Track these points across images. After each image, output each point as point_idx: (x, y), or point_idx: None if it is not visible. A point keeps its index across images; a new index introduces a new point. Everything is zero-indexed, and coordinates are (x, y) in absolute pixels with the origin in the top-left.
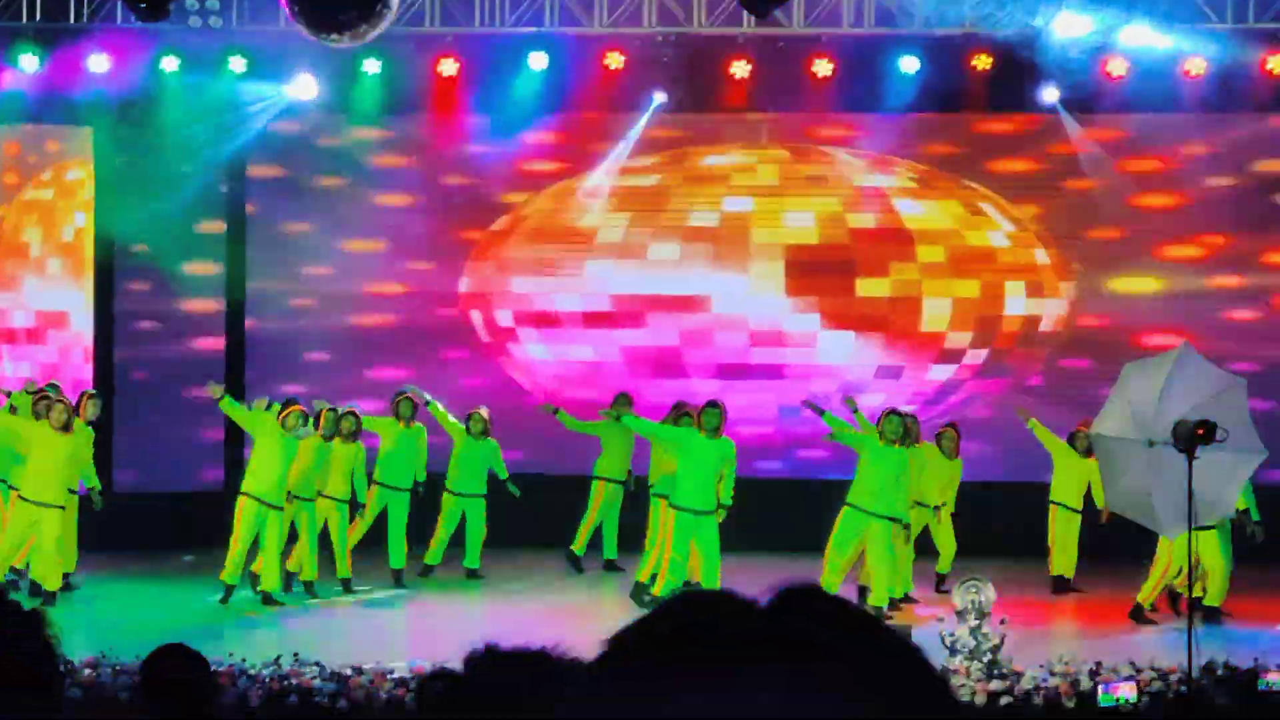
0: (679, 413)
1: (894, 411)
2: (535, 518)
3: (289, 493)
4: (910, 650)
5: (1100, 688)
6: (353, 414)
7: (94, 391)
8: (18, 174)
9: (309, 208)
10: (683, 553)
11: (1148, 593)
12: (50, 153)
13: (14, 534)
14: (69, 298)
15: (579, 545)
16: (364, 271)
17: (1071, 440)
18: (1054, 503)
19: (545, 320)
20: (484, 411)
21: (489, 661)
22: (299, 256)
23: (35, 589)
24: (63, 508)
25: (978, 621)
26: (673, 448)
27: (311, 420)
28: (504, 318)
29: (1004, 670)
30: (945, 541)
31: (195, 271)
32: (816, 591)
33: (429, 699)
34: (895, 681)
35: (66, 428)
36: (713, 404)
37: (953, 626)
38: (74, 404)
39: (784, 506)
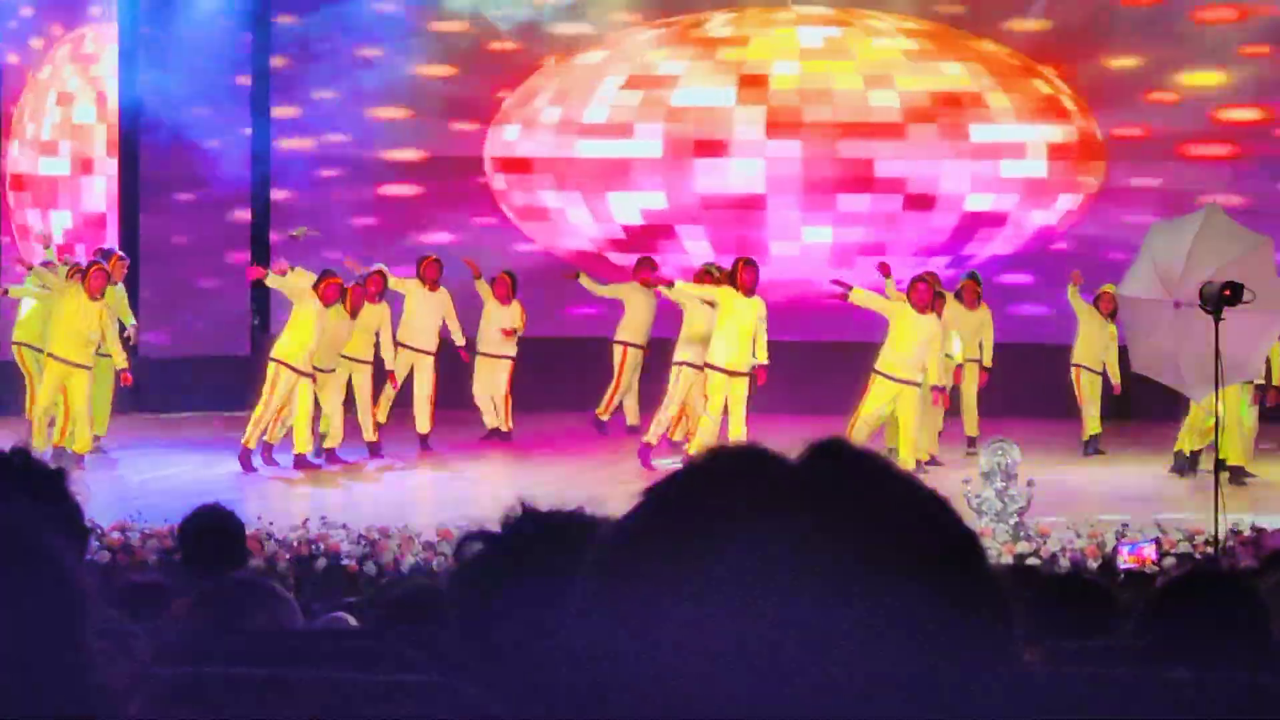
0: (704, 274)
1: (923, 279)
2: (558, 381)
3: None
4: (936, 502)
5: (1124, 549)
6: (380, 273)
7: (122, 253)
8: (41, 36)
9: (333, 70)
10: (717, 413)
11: (1186, 441)
12: (73, 13)
13: (45, 393)
14: (95, 161)
15: (604, 411)
16: (389, 137)
17: (1096, 302)
18: (1076, 365)
19: (569, 178)
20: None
21: (525, 520)
22: (324, 122)
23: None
24: (89, 368)
25: (1004, 483)
26: (712, 307)
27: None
28: (528, 180)
29: (1030, 532)
30: (971, 403)
31: (222, 132)
32: (845, 445)
33: (466, 557)
34: (922, 532)
35: (99, 293)
36: (748, 261)
37: (979, 488)
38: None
39: (808, 368)
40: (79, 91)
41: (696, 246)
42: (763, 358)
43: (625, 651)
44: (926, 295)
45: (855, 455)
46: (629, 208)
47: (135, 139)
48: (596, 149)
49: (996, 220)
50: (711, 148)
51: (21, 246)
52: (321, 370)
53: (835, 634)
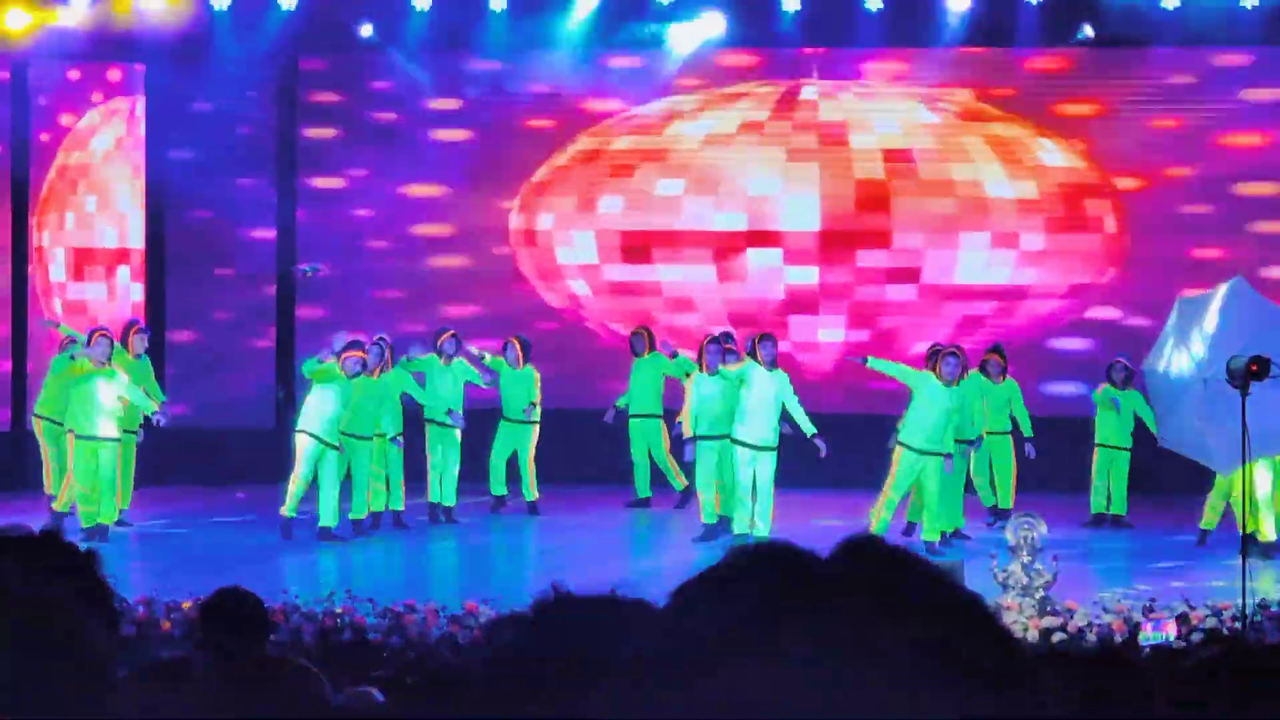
0: (723, 347)
1: (949, 351)
2: (582, 452)
3: (343, 432)
4: (972, 603)
5: (1149, 625)
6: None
7: (141, 325)
8: (72, 110)
9: (359, 148)
10: (747, 489)
11: (1209, 518)
12: (104, 88)
13: (79, 472)
14: (123, 234)
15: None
16: (417, 212)
17: (1108, 373)
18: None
19: (604, 251)
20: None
21: (558, 604)
22: (350, 199)
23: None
24: (117, 441)
25: (1030, 557)
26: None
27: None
28: (561, 253)
29: (1056, 607)
30: (1005, 476)
31: (248, 208)
32: (877, 543)
33: (498, 645)
34: (956, 634)
35: (108, 361)
36: (767, 335)
37: (1005, 562)
38: (121, 338)
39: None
40: (109, 164)
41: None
42: (810, 429)
43: None
44: (957, 369)
45: (888, 553)
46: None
47: (162, 212)
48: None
49: (1017, 294)
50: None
51: (48, 313)
52: (357, 438)
53: None
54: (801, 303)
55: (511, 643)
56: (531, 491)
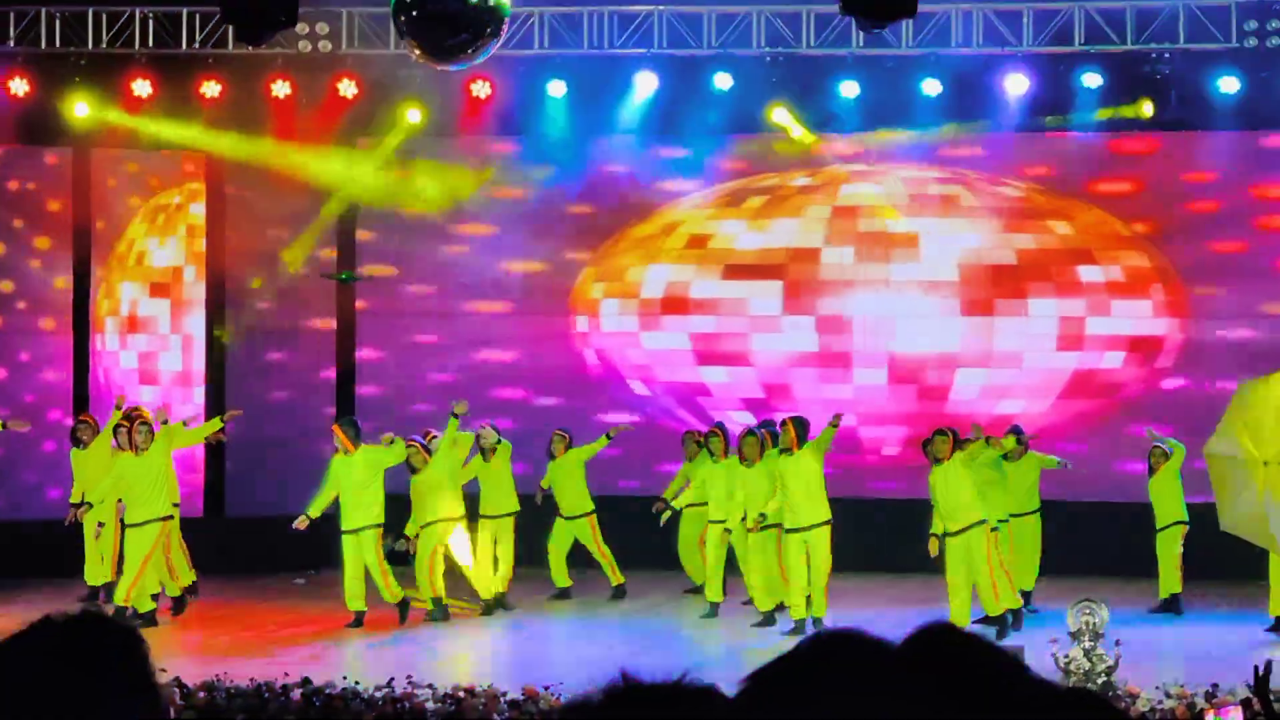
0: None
1: (940, 432)
2: (646, 537)
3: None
4: (1045, 689)
5: (1211, 712)
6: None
7: (143, 422)
8: (135, 197)
9: (414, 243)
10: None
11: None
12: (168, 176)
13: (130, 561)
14: (183, 323)
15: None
16: (474, 292)
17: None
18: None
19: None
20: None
21: (627, 693)
22: (408, 279)
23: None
24: (160, 521)
25: (1092, 643)
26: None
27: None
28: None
29: (1119, 692)
30: (1028, 552)
31: (308, 291)
32: (950, 630)
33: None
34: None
35: (138, 447)
36: (789, 420)
37: (1066, 648)
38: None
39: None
40: (170, 246)
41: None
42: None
43: None
44: (947, 447)
45: (962, 640)
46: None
47: (223, 295)
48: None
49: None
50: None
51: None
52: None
53: None
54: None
55: None
56: (615, 575)
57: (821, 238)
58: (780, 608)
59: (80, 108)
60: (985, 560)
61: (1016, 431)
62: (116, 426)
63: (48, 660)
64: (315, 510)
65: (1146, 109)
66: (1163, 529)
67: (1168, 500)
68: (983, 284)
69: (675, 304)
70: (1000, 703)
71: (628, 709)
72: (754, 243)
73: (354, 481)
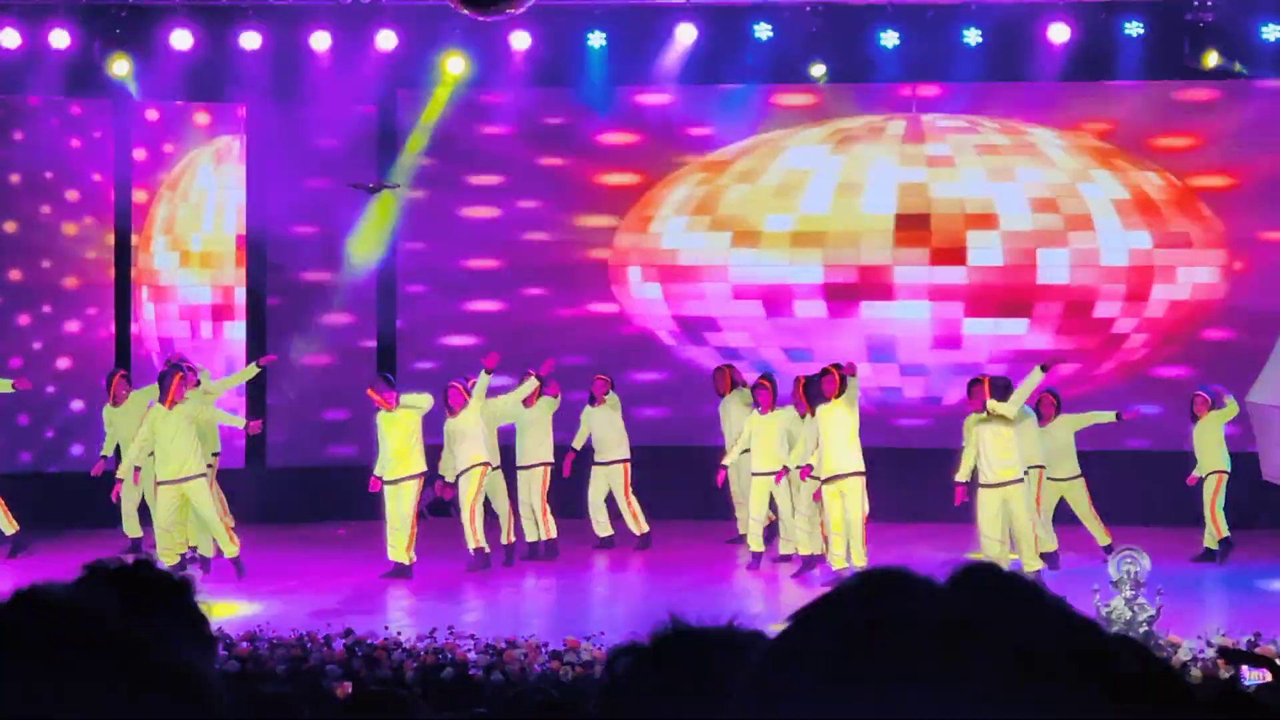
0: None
1: (977, 381)
2: (690, 490)
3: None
4: (1092, 630)
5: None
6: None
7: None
8: (173, 152)
9: (461, 185)
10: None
11: None
12: (202, 130)
13: (163, 519)
14: (221, 275)
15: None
16: (518, 254)
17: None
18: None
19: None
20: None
21: (676, 636)
22: (455, 239)
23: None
24: (199, 477)
25: (1133, 592)
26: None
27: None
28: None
29: (1160, 642)
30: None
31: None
32: (995, 569)
33: (617, 672)
34: (1079, 661)
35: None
36: (825, 369)
37: (1108, 597)
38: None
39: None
40: (210, 205)
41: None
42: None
43: None
44: (980, 398)
45: (1006, 580)
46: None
47: (264, 255)
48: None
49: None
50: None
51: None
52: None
53: None
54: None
55: (628, 671)
56: (639, 525)
57: (867, 188)
58: (819, 558)
59: (120, 62)
60: (1023, 514)
61: (1050, 392)
62: (164, 376)
63: (103, 604)
64: (380, 469)
65: (1211, 59)
66: (1203, 477)
67: (1209, 448)
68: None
69: (713, 255)
70: (1045, 641)
71: (677, 651)
72: (797, 194)
73: (398, 434)
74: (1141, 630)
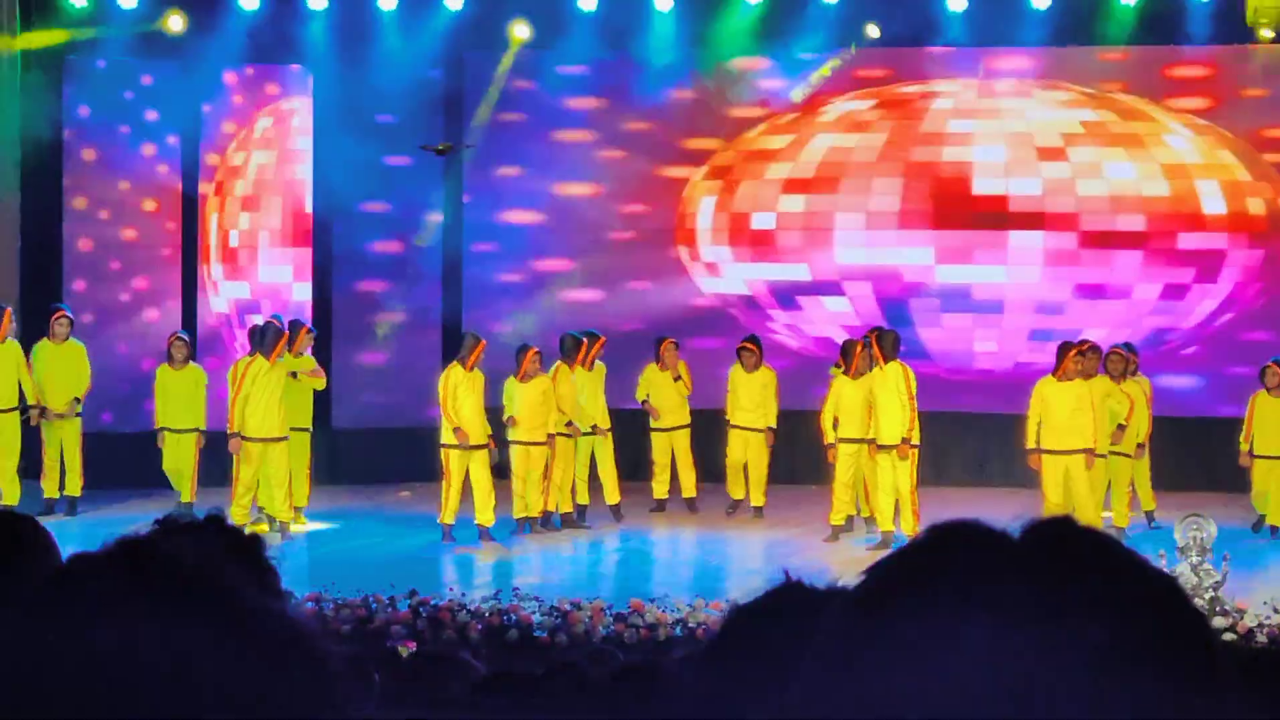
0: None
1: (1077, 349)
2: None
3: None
4: (1165, 581)
5: None
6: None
7: (310, 325)
8: (240, 117)
9: (520, 149)
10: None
11: None
12: (270, 95)
13: (246, 473)
14: (289, 234)
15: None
16: (575, 215)
17: (1261, 377)
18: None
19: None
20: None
21: (791, 590)
22: (510, 200)
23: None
24: (284, 439)
25: (1199, 558)
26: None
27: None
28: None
29: (1226, 608)
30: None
31: (414, 209)
32: (1069, 521)
33: (732, 622)
34: (1152, 612)
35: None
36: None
37: (1173, 563)
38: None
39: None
40: (275, 166)
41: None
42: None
43: None
44: (1098, 363)
45: (1079, 531)
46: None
47: (329, 216)
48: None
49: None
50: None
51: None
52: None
53: (1055, 711)
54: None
55: (738, 625)
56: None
57: (943, 151)
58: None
59: (174, 20)
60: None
61: (1128, 346)
62: (271, 331)
63: (178, 553)
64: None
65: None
66: (1262, 457)
67: (1273, 427)
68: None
69: (787, 222)
70: (1119, 594)
71: (793, 605)
72: (865, 157)
73: (473, 395)
74: (1207, 596)
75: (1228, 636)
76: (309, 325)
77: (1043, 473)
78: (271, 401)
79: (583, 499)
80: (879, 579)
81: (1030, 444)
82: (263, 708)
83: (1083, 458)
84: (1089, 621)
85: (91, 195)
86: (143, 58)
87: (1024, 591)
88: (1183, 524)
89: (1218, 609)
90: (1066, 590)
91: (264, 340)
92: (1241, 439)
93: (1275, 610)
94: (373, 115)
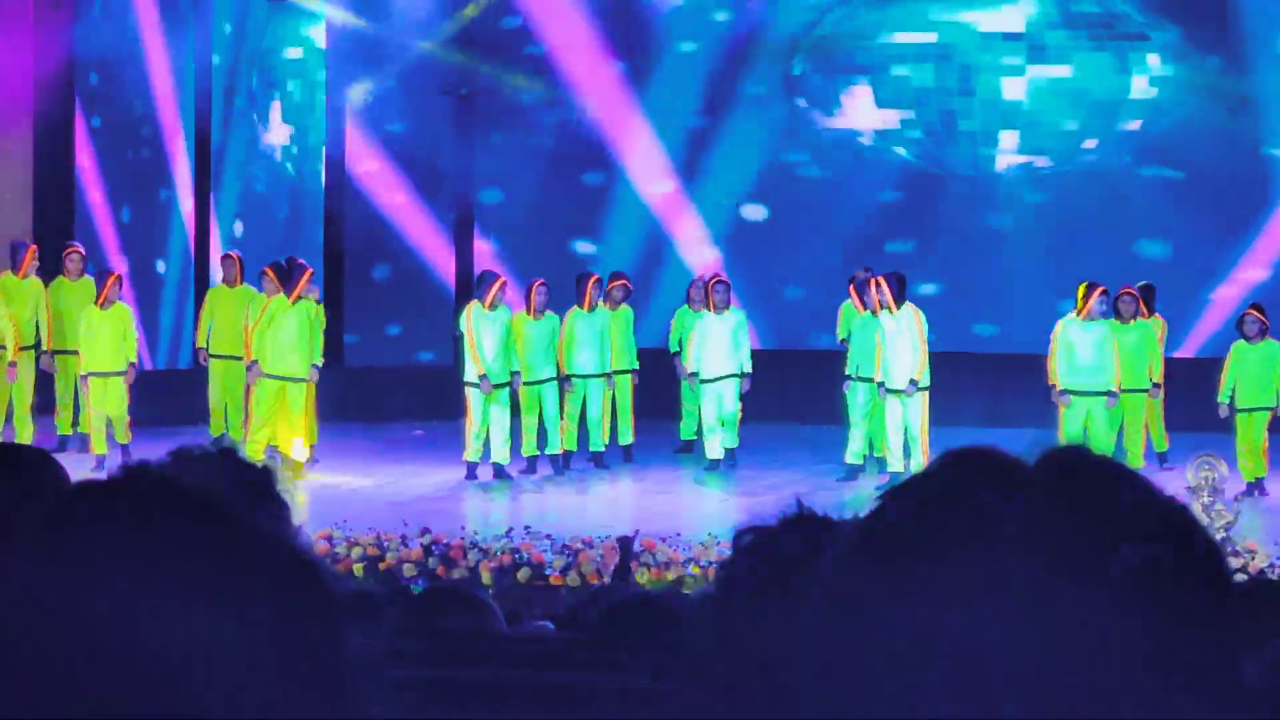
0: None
1: (1102, 289)
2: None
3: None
4: (1178, 510)
5: None
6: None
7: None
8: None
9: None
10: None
11: None
12: (282, 30)
13: (262, 409)
14: (302, 168)
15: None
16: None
17: (1239, 326)
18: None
19: None
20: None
21: (802, 519)
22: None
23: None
24: (303, 380)
25: (1211, 498)
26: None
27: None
28: None
29: (1237, 548)
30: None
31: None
32: (1083, 449)
33: (741, 545)
34: (1164, 539)
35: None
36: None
37: (1185, 503)
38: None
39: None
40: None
41: None
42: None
43: (858, 651)
44: (1133, 304)
45: (1093, 459)
46: None
47: (344, 168)
48: None
49: None
50: None
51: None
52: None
53: (1067, 638)
54: None
55: (750, 544)
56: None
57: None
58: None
59: None
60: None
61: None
62: (294, 268)
63: (185, 480)
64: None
65: None
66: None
67: (1253, 378)
68: None
69: None
70: (1133, 521)
71: (802, 532)
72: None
73: (492, 333)
74: (1219, 536)
75: (1239, 578)
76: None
77: (1064, 412)
78: (291, 340)
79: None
80: (890, 506)
81: (1055, 382)
82: (266, 634)
83: (1104, 399)
84: (1102, 548)
85: (109, 138)
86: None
87: (1038, 518)
88: (1195, 464)
89: (1229, 549)
90: (1080, 517)
91: (289, 276)
92: (1220, 392)
93: None
94: (385, 58)
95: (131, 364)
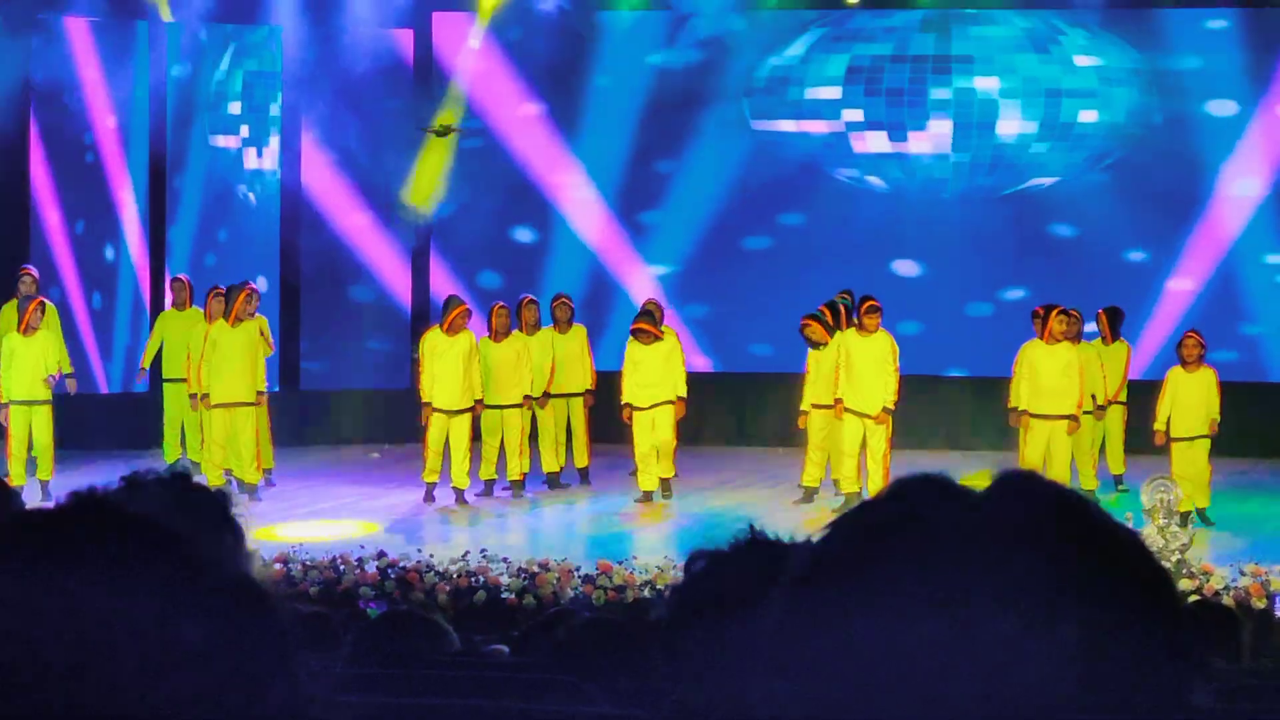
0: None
1: (1059, 310)
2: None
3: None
4: (1128, 537)
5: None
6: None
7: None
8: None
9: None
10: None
11: None
12: (238, 52)
13: (215, 433)
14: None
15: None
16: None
17: (1178, 350)
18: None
19: None
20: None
21: (754, 544)
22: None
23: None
24: (252, 404)
25: (1166, 520)
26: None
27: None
28: None
29: (1192, 569)
30: (1112, 437)
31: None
32: (1033, 476)
33: (693, 571)
34: (1113, 566)
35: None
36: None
37: (1140, 525)
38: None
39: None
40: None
41: None
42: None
43: (810, 677)
44: (1069, 327)
45: (1043, 486)
46: None
47: (299, 195)
48: None
49: None
50: None
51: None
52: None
53: (1018, 662)
54: None
55: (702, 571)
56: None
57: None
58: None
59: None
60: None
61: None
62: (232, 291)
63: (133, 508)
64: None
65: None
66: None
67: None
68: None
69: None
70: (1083, 545)
71: (751, 557)
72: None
73: (448, 358)
74: (1174, 558)
75: (1193, 599)
76: (251, 284)
77: (1026, 435)
78: (235, 363)
79: (553, 464)
80: (842, 532)
81: (1016, 404)
82: (213, 664)
83: (1066, 424)
84: (1051, 574)
85: (62, 155)
86: (109, 15)
87: (987, 545)
88: (1149, 486)
89: (1184, 571)
90: (1030, 544)
91: (228, 298)
92: (1156, 419)
93: (1242, 573)
94: (341, 80)
95: (65, 376)
